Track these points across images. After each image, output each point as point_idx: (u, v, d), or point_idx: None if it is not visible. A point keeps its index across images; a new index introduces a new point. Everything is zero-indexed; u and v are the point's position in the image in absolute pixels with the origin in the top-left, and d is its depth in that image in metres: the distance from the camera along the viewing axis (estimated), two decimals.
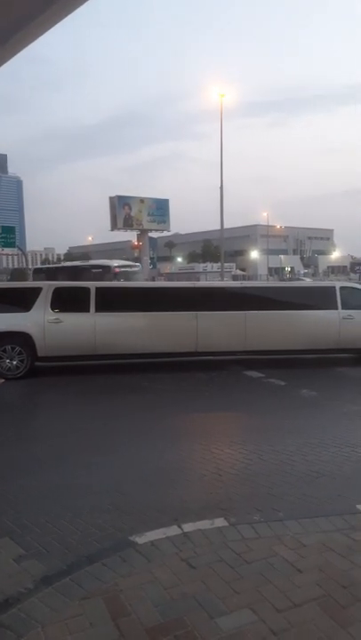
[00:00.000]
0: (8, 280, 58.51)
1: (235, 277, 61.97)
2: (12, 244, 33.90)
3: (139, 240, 64.21)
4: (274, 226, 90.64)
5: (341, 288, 10.02)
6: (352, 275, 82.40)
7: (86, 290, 9.10)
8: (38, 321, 8.70)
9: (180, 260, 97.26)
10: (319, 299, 9.91)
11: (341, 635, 2.30)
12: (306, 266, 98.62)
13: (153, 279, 61.61)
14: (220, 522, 3.35)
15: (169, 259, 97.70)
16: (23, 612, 2.49)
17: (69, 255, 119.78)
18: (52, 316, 8.75)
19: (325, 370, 9.52)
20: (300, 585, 2.66)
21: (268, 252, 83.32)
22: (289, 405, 6.97)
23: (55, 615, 2.45)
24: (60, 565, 2.94)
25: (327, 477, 4.28)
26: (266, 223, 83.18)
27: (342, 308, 9.65)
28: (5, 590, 2.71)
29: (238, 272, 75.58)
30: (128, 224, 61.09)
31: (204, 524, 3.32)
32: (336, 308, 9.64)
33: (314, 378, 8.77)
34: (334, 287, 10.03)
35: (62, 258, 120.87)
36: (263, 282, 47.44)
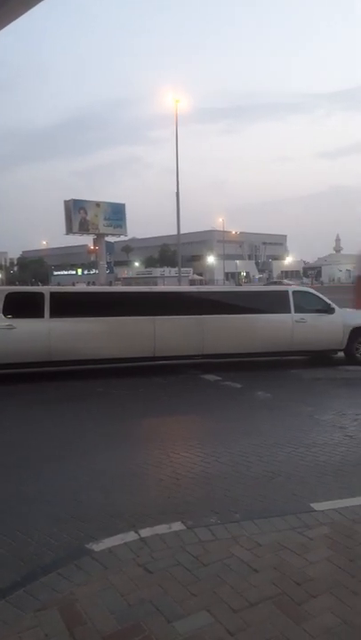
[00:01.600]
0: None
1: (192, 282, 62.45)
2: None
3: (95, 244, 63.72)
4: (229, 231, 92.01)
5: (294, 292, 10.29)
6: (304, 279, 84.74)
7: (40, 295, 8.93)
8: None
9: (137, 264, 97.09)
10: (273, 303, 10.13)
11: (296, 631, 2.35)
12: (261, 271, 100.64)
13: (110, 284, 61.26)
14: (177, 526, 3.36)
15: (126, 263, 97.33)
16: None
17: (23, 259, 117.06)
18: (4, 322, 8.52)
19: (280, 372, 9.73)
20: (256, 584, 2.69)
21: (224, 257, 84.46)
22: (245, 407, 7.07)
23: (8, 628, 2.38)
24: (14, 577, 2.86)
25: (283, 477, 4.37)
26: (222, 229, 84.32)
27: (295, 312, 9.90)
28: None
29: (195, 277, 76.20)
30: (84, 228, 60.54)
31: (161, 529, 3.31)
32: (289, 312, 9.88)
33: (269, 380, 8.94)
34: (288, 291, 10.28)
35: (15, 262, 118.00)
36: (220, 286, 47.96)
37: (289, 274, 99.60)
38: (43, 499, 4.01)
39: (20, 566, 3.01)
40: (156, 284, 46.25)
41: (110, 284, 62.14)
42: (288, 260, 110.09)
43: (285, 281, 62.65)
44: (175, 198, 32.13)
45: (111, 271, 76.69)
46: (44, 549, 3.21)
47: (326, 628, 2.36)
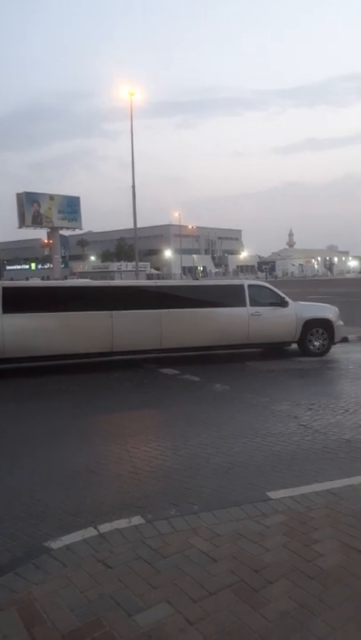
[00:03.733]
0: None
1: (149, 276, 62.28)
2: None
3: (49, 238, 62.33)
4: (186, 226, 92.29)
5: (249, 286, 10.45)
6: (259, 273, 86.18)
7: None
8: None
9: (93, 258, 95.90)
10: (229, 297, 10.26)
11: (255, 617, 2.40)
12: (217, 265, 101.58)
13: (65, 278, 60.15)
14: (136, 520, 3.36)
15: (82, 257, 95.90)
16: None
17: None
18: None
19: (236, 364, 9.87)
20: (215, 574, 2.74)
21: (181, 251, 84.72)
22: (203, 400, 7.14)
23: None
24: None
25: (240, 467, 4.45)
26: (178, 223, 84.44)
27: (250, 305, 10.06)
28: None
29: (153, 271, 76.08)
30: (37, 221, 59.09)
31: (120, 524, 3.30)
32: (245, 305, 10.03)
33: (226, 372, 9.06)
34: (243, 285, 10.43)
35: None
36: (177, 280, 48.03)
37: (244, 268, 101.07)
38: None
39: None
40: (112, 279, 45.83)
41: (65, 278, 61.05)
42: (243, 255, 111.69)
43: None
44: (131, 192, 31.88)
45: (66, 265, 75.45)
46: (0, 549, 3.14)
47: (283, 612, 2.42)
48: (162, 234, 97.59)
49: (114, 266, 77.07)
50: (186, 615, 2.40)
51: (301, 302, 11.48)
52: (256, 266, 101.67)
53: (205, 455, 4.75)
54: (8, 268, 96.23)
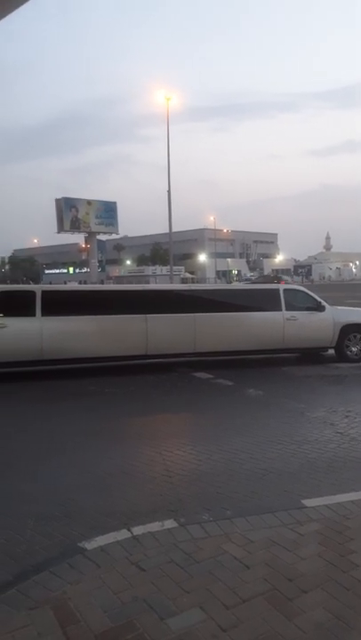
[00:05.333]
0: None
1: (183, 280, 62.42)
2: None
3: (86, 243, 63.43)
4: (221, 230, 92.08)
5: (285, 290, 10.33)
6: (295, 277, 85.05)
7: (32, 293, 8.90)
8: None
9: (129, 262, 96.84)
10: (265, 301, 10.17)
11: (288, 626, 2.36)
12: (252, 269, 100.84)
13: (102, 282, 61.07)
14: (169, 523, 3.37)
15: (118, 261, 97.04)
16: None
17: (14, 258, 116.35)
18: None
19: (271, 369, 9.77)
20: (248, 581, 2.71)
21: (216, 255, 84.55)
22: (236, 405, 7.10)
23: (1, 627, 2.37)
24: (6, 576, 2.86)
25: (274, 474, 4.39)
26: (213, 227, 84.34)
27: (286, 310, 9.94)
28: None
29: (187, 275, 76.17)
30: (75, 226, 60.26)
31: (153, 527, 3.32)
32: (280, 310, 9.92)
33: (260, 377, 8.98)
34: (279, 289, 10.32)
35: (6, 261, 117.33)
36: (212, 284, 47.96)
37: (280, 272, 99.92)
38: (35, 497, 4.00)
39: (12, 565, 3.00)
40: (147, 283, 46.20)
41: (102, 282, 61.98)
42: (279, 259, 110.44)
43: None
44: (167, 196, 32.11)
45: (103, 269, 76.44)
46: (36, 548, 3.21)
47: (318, 624, 2.38)
48: (196, 238, 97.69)
49: (149, 270, 77.63)
50: (218, 621, 2.38)
51: (339, 307, 11.27)
52: (292, 269, 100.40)
53: (239, 460, 4.72)
54: (47, 272, 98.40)
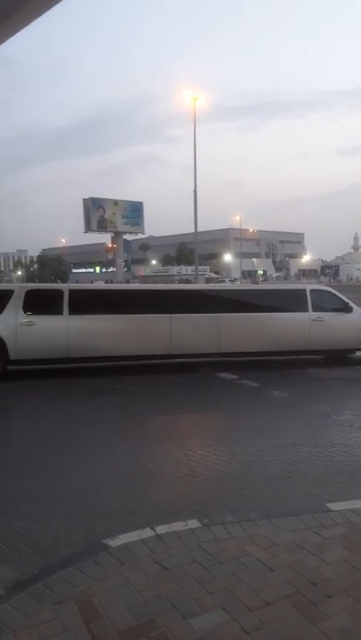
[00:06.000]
0: None
1: (208, 280, 62.32)
2: None
3: (113, 242, 64.05)
4: (247, 229, 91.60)
5: (312, 291, 10.21)
6: (322, 277, 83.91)
7: (59, 292, 9.04)
8: (10, 324, 8.57)
9: (154, 262, 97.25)
10: (291, 301, 10.07)
11: (312, 631, 2.34)
12: (278, 269, 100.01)
13: (127, 282, 61.51)
14: (193, 523, 3.37)
15: (143, 261, 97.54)
16: None
17: (42, 257, 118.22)
18: (24, 318, 8.63)
19: (297, 371, 9.67)
20: (272, 583, 2.69)
21: (241, 255, 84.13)
22: (261, 406, 7.05)
23: (27, 621, 2.42)
24: (32, 571, 2.91)
25: (299, 477, 4.35)
26: (239, 227, 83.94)
27: (313, 311, 9.82)
28: None
29: (212, 275, 76.03)
30: (102, 226, 60.91)
31: (177, 526, 3.33)
32: (307, 311, 9.81)
33: (286, 379, 8.90)
34: (305, 290, 10.21)
35: (35, 260, 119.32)
36: (237, 284, 47.75)
37: (306, 272, 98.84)
38: (60, 493, 4.06)
39: (38, 560, 3.05)
40: (172, 283, 46.26)
41: (128, 281, 62.41)
42: (306, 259, 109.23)
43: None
44: (193, 196, 32.09)
45: (128, 269, 76.95)
46: (61, 544, 3.25)
47: (342, 629, 2.34)
48: (222, 238, 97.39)
49: (174, 270, 77.78)
50: (241, 623, 2.38)
51: None
52: (319, 270, 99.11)
53: (263, 462, 4.69)
54: (74, 271, 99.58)
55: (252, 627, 2.36)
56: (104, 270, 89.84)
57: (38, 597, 2.60)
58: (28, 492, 4.10)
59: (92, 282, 62.70)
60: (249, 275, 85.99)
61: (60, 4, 7.82)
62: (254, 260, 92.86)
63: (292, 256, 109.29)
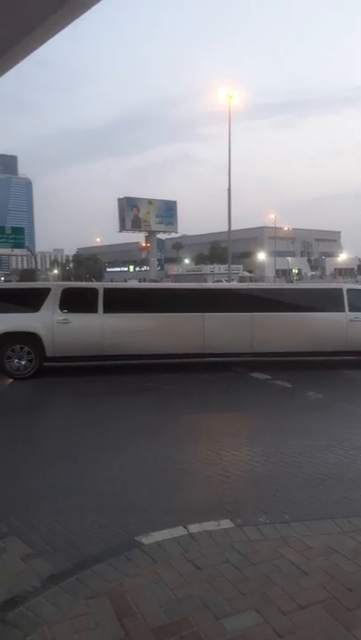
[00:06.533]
0: (17, 281, 58.89)
1: (242, 279, 61.91)
2: (21, 245, 34.16)
3: (146, 241, 64.54)
4: (281, 228, 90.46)
5: (349, 290, 9.98)
6: (359, 277, 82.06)
7: (94, 291, 9.15)
8: (47, 321, 8.75)
9: (187, 261, 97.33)
10: (327, 301, 9.88)
11: (347, 638, 2.29)
12: (313, 268, 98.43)
13: (160, 280, 61.80)
14: (226, 523, 3.36)
15: (176, 260, 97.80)
16: (30, 610, 2.51)
17: (78, 256, 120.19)
18: (60, 316, 8.79)
19: (332, 372, 9.48)
20: (306, 587, 2.65)
21: (276, 253, 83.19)
22: (295, 407, 6.95)
23: (61, 614, 2.46)
24: (67, 564, 2.96)
25: (333, 480, 4.27)
26: (273, 225, 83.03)
27: (349, 311, 9.61)
28: (12, 589, 2.73)
29: (245, 274, 75.49)
30: (136, 225, 61.48)
31: (210, 525, 3.32)
32: (343, 311, 9.60)
33: (321, 380, 8.74)
34: (341, 289, 10.00)
35: (71, 259, 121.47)
36: (271, 283, 47.27)
37: (343, 271, 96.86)
38: (92, 489, 4.11)
39: (71, 554, 3.10)
40: (205, 281, 46.22)
41: (161, 280, 62.72)
42: (342, 257, 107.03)
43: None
44: (227, 195, 31.94)
45: (162, 268, 77.40)
46: (94, 539, 3.29)
47: None
48: (256, 236, 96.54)
49: (207, 268, 77.67)
50: (274, 626, 2.35)
51: None
52: (356, 269, 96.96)
53: (297, 464, 4.62)
54: (108, 270, 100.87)
55: (285, 630, 2.33)
56: (138, 269, 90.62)
57: (72, 591, 2.64)
58: (61, 487, 4.17)
59: (125, 281, 63.34)
60: (283, 273, 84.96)
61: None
62: (289, 258, 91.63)
63: (328, 255, 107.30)
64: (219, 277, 55.64)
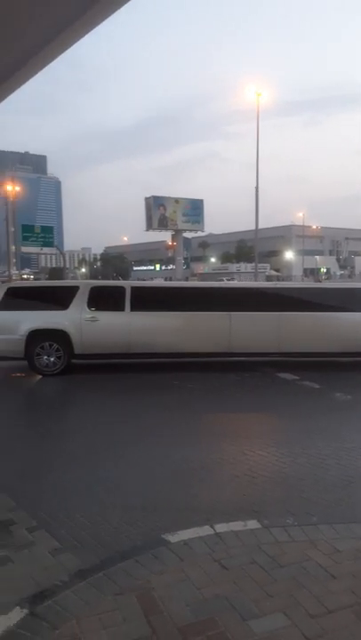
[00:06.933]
0: (46, 279, 59.83)
1: (268, 278, 61.39)
2: (50, 244, 34.72)
3: (173, 240, 64.58)
4: (310, 226, 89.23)
5: None
6: None
7: (122, 289, 9.22)
8: (75, 319, 8.86)
9: (213, 260, 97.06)
10: (356, 300, 9.71)
11: None
12: (342, 267, 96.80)
13: (186, 279, 61.84)
14: (252, 524, 3.34)
15: (202, 259, 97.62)
16: (58, 604, 2.55)
17: (105, 255, 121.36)
18: (88, 314, 8.89)
19: None
20: (335, 591, 2.61)
21: (304, 252, 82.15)
22: (323, 408, 6.85)
23: (89, 609, 2.49)
24: (94, 560, 2.99)
25: None
26: (301, 223, 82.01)
27: None
28: (41, 582, 2.78)
29: (272, 273, 74.82)
30: (163, 224, 61.59)
31: (236, 526, 3.31)
32: None
33: (349, 381, 8.60)
34: None
35: (98, 258, 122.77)
36: (299, 282, 46.74)
37: None
38: (118, 486, 4.14)
39: (99, 550, 3.13)
40: (232, 280, 45.99)
41: (186, 279, 62.76)
42: None
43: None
44: (254, 193, 31.73)
45: (188, 267, 77.28)
46: (121, 536, 3.32)
47: None
48: (283, 235, 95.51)
49: (233, 267, 77.28)
50: (302, 630, 2.32)
51: None
52: None
53: (325, 466, 4.56)
54: (135, 268, 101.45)
55: (313, 634, 2.30)
56: (164, 268, 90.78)
57: (100, 587, 2.67)
58: (88, 483, 4.21)
59: (152, 279, 63.62)
60: (311, 272, 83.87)
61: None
62: (317, 257, 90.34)
63: (358, 254, 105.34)
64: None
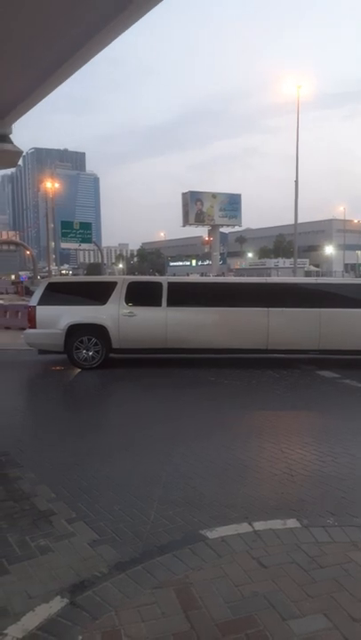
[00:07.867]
0: (85, 274, 60.80)
1: (307, 274, 60.34)
2: (88, 240, 35.19)
3: (210, 236, 64.44)
4: (351, 220, 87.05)
5: None
6: None
7: (159, 285, 9.25)
8: (113, 314, 8.97)
9: (250, 255, 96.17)
10: None
11: None
12: None
13: (223, 275, 61.57)
14: (292, 523, 3.28)
15: (239, 254, 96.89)
16: (98, 595, 2.58)
17: (142, 251, 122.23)
18: (126, 309, 8.98)
19: None
20: None
21: (345, 247, 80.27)
22: None
23: (128, 601, 2.51)
24: (133, 553, 3.01)
25: None
26: (343, 217, 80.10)
27: None
28: (81, 573, 2.82)
29: (311, 268, 73.52)
30: (200, 220, 61.54)
31: (275, 524, 3.26)
32: None
33: None
34: None
35: (135, 253, 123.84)
36: (340, 278, 45.75)
37: None
38: (156, 480, 4.16)
39: (137, 543, 3.15)
40: (269, 276, 45.45)
41: (223, 274, 62.45)
42: None
43: None
44: (294, 187, 31.20)
45: (224, 262, 76.90)
46: (159, 530, 3.33)
47: None
48: (323, 229, 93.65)
49: (271, 262, 76.33)
50: (344, 633, 2.27)
51: None
52: None
53: None
54: (171, 264, 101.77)
55: (356, 638, 2.24)
56: (200, 263, 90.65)
57: (139, 580, 2.69)
58: (126, 477, 4.25)
59: (188, 275, 63.63)
60: (352, 268, 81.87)
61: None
62: (359, 252, 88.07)
63: None
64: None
